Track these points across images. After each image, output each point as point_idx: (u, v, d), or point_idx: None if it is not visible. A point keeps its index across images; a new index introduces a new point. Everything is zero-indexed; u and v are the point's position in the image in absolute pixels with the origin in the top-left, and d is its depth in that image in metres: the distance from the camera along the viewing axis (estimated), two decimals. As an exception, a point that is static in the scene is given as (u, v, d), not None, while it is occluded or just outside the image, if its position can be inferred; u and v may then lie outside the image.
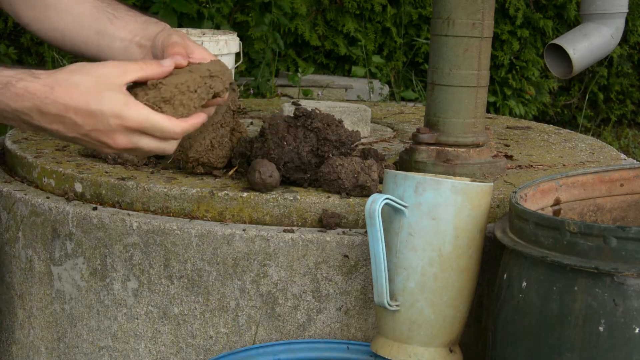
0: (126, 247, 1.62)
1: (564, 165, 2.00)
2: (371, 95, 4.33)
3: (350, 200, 1.63)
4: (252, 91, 4.18)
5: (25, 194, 1.76)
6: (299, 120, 1.70)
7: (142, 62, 1.22)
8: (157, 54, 1.35)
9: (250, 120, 2.40)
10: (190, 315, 1.61)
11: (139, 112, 1.17)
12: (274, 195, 1.63)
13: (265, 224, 1.63)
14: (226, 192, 1.64)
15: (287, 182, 1.70)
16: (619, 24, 2.37)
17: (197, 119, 1.23)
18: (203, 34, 2.48)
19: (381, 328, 1.49)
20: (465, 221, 1.42)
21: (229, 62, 2.35)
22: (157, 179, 1.72)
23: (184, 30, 2.62)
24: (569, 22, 5.23)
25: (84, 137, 1.19)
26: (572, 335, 1.23)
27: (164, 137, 1.20)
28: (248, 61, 4.49)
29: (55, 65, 3.90)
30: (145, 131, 1.18)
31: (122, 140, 1.18)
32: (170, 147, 1.21)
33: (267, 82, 4.26)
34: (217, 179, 1.73)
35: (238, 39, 2.42)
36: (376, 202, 1.39)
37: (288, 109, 2.15)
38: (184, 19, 4.23)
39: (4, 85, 1.13)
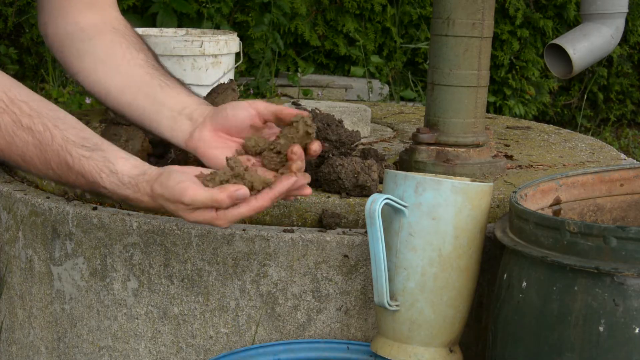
0: (126, 247, 1.62)
1: (564, 165, 2.00)
2: (371, 95, 4.33)
3: (350, 200, 1.63)
4: (252, 91, 4.18)
5: (25, 194, 1.76)
6: (299, 120, 1.70)
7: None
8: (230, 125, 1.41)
9: (250, 120, 2.40)
10: (190, 315, 1.61)
11: (198, 195, 1.26)
12: (274, 195, 1.62)
13: (265, 224, 1.63)
14: (226, 192, 1.64)
15: (287, 182, 1.70)
16: (619, 24, 2.37)
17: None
18: (203, 34, 2.48)
19: (381, 328, 1.49)
20: (465, 221, 1.42)
21: (229, 62, 2.36)
22: (157, 179, 1.72)
23: (183, 30, 2.62)
24: (569, 22, 5.23)
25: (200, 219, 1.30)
26: (572, 335, 1.23)
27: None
28: (248, 61, 4.49)
29: (55, 64, 3.90)
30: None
31: (222, 221, 1.28)
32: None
33: (267, 82, 4.26)
34: (217, 179, 1.73)
35: (238, 39, 2.42)
36: (376, 202, 1.39)
37: (288, 109, 2.15)
38: (183, 19, 4.23)
39: (123, 201, 1.35)
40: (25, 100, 1.31)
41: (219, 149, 1.40)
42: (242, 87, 4.11)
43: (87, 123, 2.26)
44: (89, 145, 1.32)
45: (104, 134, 1.87)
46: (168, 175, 1.27)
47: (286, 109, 1.37)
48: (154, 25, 4.09)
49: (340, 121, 1.71)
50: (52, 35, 1.60)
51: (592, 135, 5.18)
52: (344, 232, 1.59)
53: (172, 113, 1.46)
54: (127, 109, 1.51)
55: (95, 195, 1.36)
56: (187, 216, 1.28)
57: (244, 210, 1.27)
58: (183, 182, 1.26)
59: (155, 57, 1.58)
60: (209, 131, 1.41)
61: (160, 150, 1.88)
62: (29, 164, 1.33)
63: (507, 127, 2.47)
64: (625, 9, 2.37)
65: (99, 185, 1.32)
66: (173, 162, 1.80)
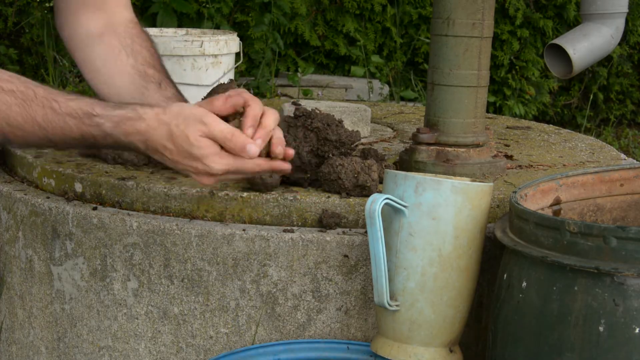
0: (126, 247, 1.62)
1: (564, 165, 2.00)
2: (371, 95, 4.33)
3: (350, 200, 1.63)
4: (252, 91, 4.18)
5: (25, 194, 1.76)
6: (299, 120, 1.70)
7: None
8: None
9: (250, 120, 2.40)
10: (190, 315, 1.61)
11: (219, 122, 1.34)
12: (274, 195, 1.63)
13: (265, 224, 1.63)
14: (226, 192, 1.64)
15: (287, 182, 1.70)
16: (619, 24, 2.37)
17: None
18: (203, 34, 2.48)
19: (381, 328, 1.49)
20: (465, 221, 1.42)
21: (229, 62, 2.35)
22: (157, 179, 1.72)
23: (183, 30, 2.62)
24: (569, 22, 5.23)
25: (183, 164, 1.36)
26: (572, 335, 1.23)
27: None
28: (248, 61, 4.49)
29: (55, 64, 3.91)
30: (226, 142, 1.34)
31: (215, 163, 1.33)
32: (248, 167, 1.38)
33: (267, 82, 4.26)
34: (217, 179, 1.73)
35: (238, 39, 2.41)
36: (376, 202, 1.39)
37: (288, 109, 2.15)
38: (184, 19, 4.23)
39: (116, 124, 1.33)
40: (1, 71, 1.37)
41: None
42: (242, 87, 4.10)
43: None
44: (75, 96, 1.38)
45: (104, 134, 1.87)
46: (184, 105, 1.35)
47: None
48: (154, 25, 4.09)
49: (340, 121, 1.71)
50: (68, 37, 1.65)
51: (592, 135, 5.18)
52: (344, 232, 1.59)
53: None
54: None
55: (82, 140, 1.36)
56: (187, 147, 1.33)
57: (232, 161, 1.34)
58: (203, 109, 1.33)
59: (151, 57, 1.62)
60: None
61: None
62: (13, 126, 1.35)
63: (507, 127, 2.47)
64: (625, 9, 2.37)
65: (90, 114, 1.34)
66: None
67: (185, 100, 1.57)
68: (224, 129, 1.33)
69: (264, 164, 1.39)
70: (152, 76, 1.60)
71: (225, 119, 1.40)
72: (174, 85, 1.61)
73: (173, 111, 1.34)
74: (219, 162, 1.33)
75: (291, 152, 1.44)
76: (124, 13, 1.66)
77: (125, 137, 1.35)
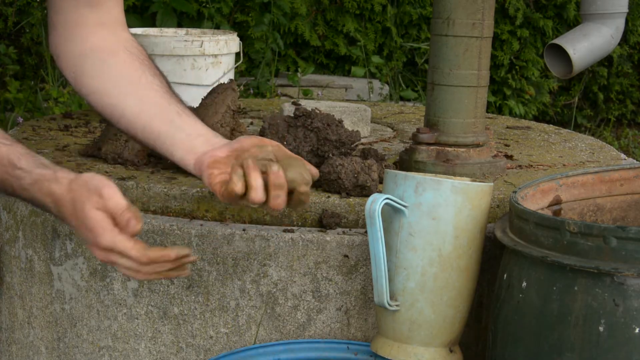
0: (126, 247, 1.62)
1: (564, 165, 2.00)
2: (371, 95, 4.33)
3: (350, 200, 1.63)
4: (252, 91, 4.18)
5: (25, 194, 1.76)
6: (299, 120, 1.70)
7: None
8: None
9: (250, 120, 2.40)
10: (190, 315, 1.61)
11: (115, 196, 1.29)
12: (274, 195, 1.62)
13: (265, 224, 1.63)
14: (226, 192, 1.64)
15: (287, 182, 1.70)
16: (619, 24, 2.37)
17: (164, 252, 1.30)
18: (203, 34, 2.48)
19: (381, 328, 1.49)
20: (465, 221, 1.42)
21: (229, 62, 2.35)
22: (157, 179, 1.72)
23: (183, 30, 2.62)
24: (569, 22, 5.23)
25: (82, 234, 1.32)
26: (572, 335, 1.23)
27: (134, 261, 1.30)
28: (248, 61, 4.49)
29: (54, 64, 3.90)
30: (116, 216, 1.29)
31: (101, 237, 1.28)
32: (141, 271, 1.30)
33: (267, 82, 4.25)
34: (217, 179, 1.73)
35: (238, 39, 2.41)
36: (376, 202, 1.39)
37: (288, 109, 2.15)
38: (184, 19, 4.23)
39: (34, 182, 1.32)
40: None
41: (221, 169, 1.40)
42: (242, 87, 4.10)
43: (87, 123, 2.26)
44: (9, 142, 1.36)
45: (104, 134, 1.87)
46: (94, 174, 1.32)
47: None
48: (154, 25, 4.09)
49: (340, 121, 1.71)
50: (64, 54, 1.57)
51: (592, 135, 5.18)
52: (344, 232, 1.59)
53: (190, 137, 1.45)
54: (141, 131, 1.50)
55: (1, 185, 1.36)
56: (82, 218, 1.29)
57: (121, 240, 1.29)
58: (107, 181, 1.30)
59: (168, 83, 1.55)
60: (222, 152, 1.41)
61: (160, 150, 1.87)
62: None
63: (507, 127, 2.47)
64: (625, 9, 2.37)
65: (14, 165, 1.33)
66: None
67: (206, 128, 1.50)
68: (117, 203, 1.28)
69: (153, 254, 1.29)
70: (182, 102, 1.53)
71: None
72: (191, 113, 1.53)
73: (81, 180, 1.30)
74: (105, 237, 1.27)
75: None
76: (125, 34, 1.58)
77: (40, 196, 1.33)
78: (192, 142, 1.44)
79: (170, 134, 1.46)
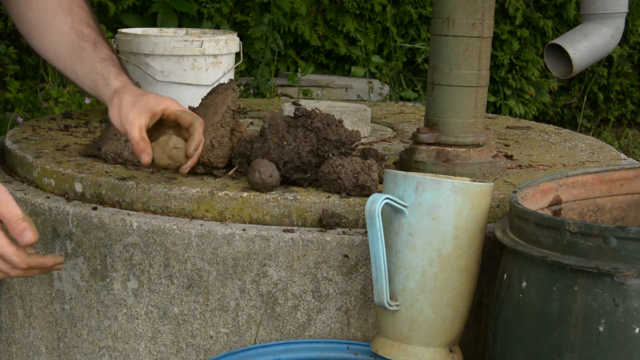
0: (126, 247, 1.62)
1: (564, 165, 2.00)
2: (371, 95, 4.33)
3: (350, 200, 1.63)
4: (252, 91, 4.18)
5: (25, 194, 1.76)
6: (299, 120, 1.70)
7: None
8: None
9: (250, 120, 2.40)
10: (190, 315, 1.61)
11: (9, 205, 1.34)
12: (274, 195, 1.63)
13: (265, 224, 1.63)
14: (226, 192, 1.64)
15: (287, 182, 1.70)
16: (619, 24, 2.37)
17: (43, 259, 1.37)
18: (203, 34, 2.48)
19: (381, 328, 1.49)
20: (465, 221, 1.42)
21: (229, 62, 2.35)
22: (157, 178, 1.72)
23: (183, 30, 2.62)
24: (569, 22, 5.23)
25: None
26: (572, 335, 1.23)
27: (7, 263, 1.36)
28: (248, 61, 4.49)
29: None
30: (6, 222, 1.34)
31: None
32: (13, 273, 1.36)
33: (267, 82, 4.25)
34: (217, 179, 1.73)
35: (238, 39, 2.41)
36: (376, 202, 1.39)
37: (288, 109, 2.15)
38: (184, 19, 4.23)
39: None
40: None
41: (134, 113, 1.54)
42: (242, 87, 4.10)
43: (87, 123, 2.26)
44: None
45: (104, 134, 1.87)
46: None
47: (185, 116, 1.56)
48: (154, 25, 4.09)
49: (340, 121, 1.71)
50: None
51: (592, 135, 5.18)
52: (344, 232, 1.59)
53: (99, 77, 1.62)
54: (65, 72, 1.69)
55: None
56: None
57: (4, 245, 1.33)
58: (3, 188, 1.37)
59: (87, 15, 1.70)
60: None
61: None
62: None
63: (507, 127, 2.47)
64: (625, 9, 2.37)
65: None
66: None
67: (119, 59, 1.66)
68: (11, 210, 1.33)
69: (33, 262, 1.35)
70: (88, 36, 1.65)
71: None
72: (108, 46, 1.67)
73: None
74: None
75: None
76: None
77: None
78: (107, 85, 1.61)
79: (84, 76, 1.66)
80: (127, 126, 1.52)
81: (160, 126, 1.57)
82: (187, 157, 1.54)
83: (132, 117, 1.51)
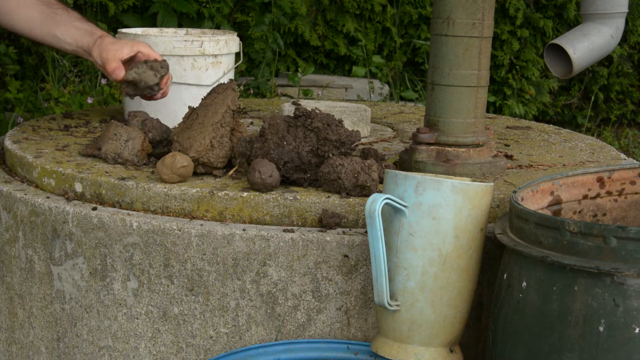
0: (126, 247, 1.62)
1: (564, 165, 2.00)
2: (371, 95, 4.33)
3: (350, 200, 1.63)
4: (252, 91, 4.17)
5: (25, 194, 1.76)
6: (299, 120, 1.70)
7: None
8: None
9: (250, 120, 2.40)
10: (190, 315, 1.61)
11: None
12: (274, 195, 1.63)
13: (265, 224, 1.63)
14: (226, 192, 1.64)
15: (287, 182, 1.70)
16: (619, 24, 2.36)
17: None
18: (203, 34, 2.47)
19: (381, 328, 1.49)
20: (465, 221, 1.42)
21: (229, 62, 2.35)
22: (157, 178, 1.72)
23: (183, 30, 2.62)
24: (569, 22, 5.23)
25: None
26: (572, 335, 1.23)
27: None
28: (248, 61, 4.49)
29: (55, 64, 3.91)
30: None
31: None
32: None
33: (267, 82, 4.25)
34: (217, 179, 1.73)
35: (238, 39, 2.41)
36: (376, 202, 1.39)
37: (288, 109, 2.15)
38: (184, 19, 4.23)
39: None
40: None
41: (115, 45, 1.96)
42: (242, 87, 4.10)
43: (87, 123, 2.26)
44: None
45: (104, 134, 1.87)
46: None
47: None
48: (154, 25, 4.09)
49: (340, 121, 1.71)
50: None
51: (593, 135, 5.18)
52: (344, 232, 1.59)
53: (71, 47, 2.01)
54: (43, 39, 2.02)
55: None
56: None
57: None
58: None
59: None
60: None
61: (160, 150, 1.88)
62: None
63: (507, 127, 2.47)
64: (625, 9, 2.37)
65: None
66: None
67: (88, 19, 2.05)
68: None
69: None
70: (57, 5, 2.00)
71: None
72: (75, 9, 2.01)
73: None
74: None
75: None
76: None
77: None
78: (77, 53, 2.04)
79: (60, 46, 2.05)
80: (104, 54, 1.91)
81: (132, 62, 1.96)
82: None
83: (110, 47, 1.92)
